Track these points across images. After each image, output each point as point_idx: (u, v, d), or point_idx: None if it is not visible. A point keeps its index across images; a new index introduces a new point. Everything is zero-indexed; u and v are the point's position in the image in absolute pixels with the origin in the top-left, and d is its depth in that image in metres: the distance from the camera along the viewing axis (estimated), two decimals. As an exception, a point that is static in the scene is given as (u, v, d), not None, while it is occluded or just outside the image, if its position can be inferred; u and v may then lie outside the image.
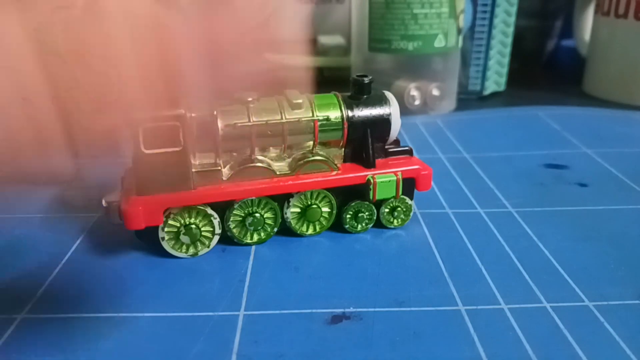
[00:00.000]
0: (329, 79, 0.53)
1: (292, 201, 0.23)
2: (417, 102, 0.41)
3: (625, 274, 0.21)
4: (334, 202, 0.24)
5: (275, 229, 0.24)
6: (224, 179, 0.22)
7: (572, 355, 0.17)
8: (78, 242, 0.24)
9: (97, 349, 0.17)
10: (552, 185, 0.29)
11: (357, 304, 0.19)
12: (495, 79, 0.47)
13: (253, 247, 0.23)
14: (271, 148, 0.23)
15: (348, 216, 0.24)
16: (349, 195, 0.24)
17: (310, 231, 0.24)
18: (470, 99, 0.47)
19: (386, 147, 0.24)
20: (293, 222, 0.24)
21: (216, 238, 0.23)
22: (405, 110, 0.38)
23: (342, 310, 0.19)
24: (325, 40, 0.54)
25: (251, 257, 0.23)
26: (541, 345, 0.17)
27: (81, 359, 0.17)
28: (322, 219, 0.24)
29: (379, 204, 0.24)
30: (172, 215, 0.22)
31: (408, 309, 0.19)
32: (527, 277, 0.21)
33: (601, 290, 0.20)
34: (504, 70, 0.48)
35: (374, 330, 0.18)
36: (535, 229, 0.25)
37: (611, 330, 0.18)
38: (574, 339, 0.18)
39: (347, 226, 0.24)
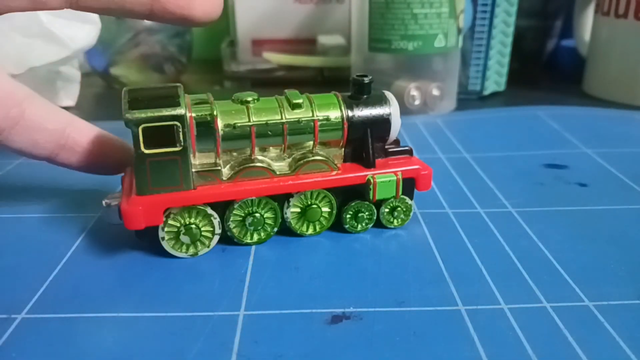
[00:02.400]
0: (329, 79, 0.53)
1: (292, 201, 0.23)
2: (417, 102, 0.41)
3: (625, 274, 0.21)
4: (334, 202, 0.24)
5: (275, 229, 0.24)
6: (224, 178, 0.22)
7: (572, 355, 0.17)
8: (78, 242, 0.24)
9: (97, 349, 0.17)
10: (552, 185, 0.29)
11: (357, 304, 0.19)
12: (495, 79, 0.47)
13: (253, 247, 0.23)
14: (271, 148, 0.23)
15: (348, 216, 0.24)
16: (349, 195, 0.24)
17: (310, 231, 0.24)
18: (470, 99, 0.47)
19: (386, 147, 0.24)
20: (293, 222, 0.24)
21: (216, 238, 0.23)
22: (405, 110, 0.38)
23: (342, 310, 0.19)
24: (325, 40, 0.54)
25: (251, 257, 0.23)
26: (541, 345, 0.17)
27: (81, 359, 0.17)
28: (322, 219, 0.24)
29: (379, 203, 0.24)
30: (172, 215, 0.22)
31: (408, 309, 0.19)
32: (527, 277, 0.21)
33: (601, 290, 0.20)
34: (504, 70, 0.48)
35: (374, 330, 0.18)
36: (535, 229, 0.25)
37: (611, 330, 0.18)
38: (574, 339, 0.18)
39: (347, 226, 0.24)
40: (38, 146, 0.24)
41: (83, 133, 0.25)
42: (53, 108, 0.24)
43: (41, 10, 0.23)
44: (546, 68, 0.58)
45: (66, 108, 0.44)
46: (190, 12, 0.23)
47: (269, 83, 0.54)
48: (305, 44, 0.56)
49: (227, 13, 0.59)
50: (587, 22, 0.53)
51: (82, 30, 0.41)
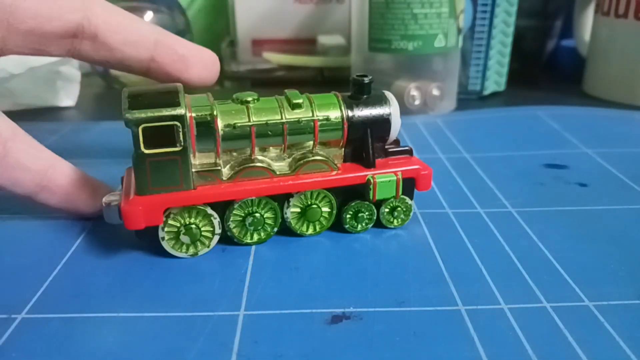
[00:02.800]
0: (329, 79, 0.53)
1: (292, 201, 0.23)
2: (417, 102, 0.41)
3: (625, 274, 0.21)
4: (334, 202, 0.24)
5: (275, 229, 0.24)
6: (224, 178, 0.22)
7: (572, 355, 0.17)
8: (78, 242, 0.24)
9: (97, 349, 0.17)
10: (552, 185, 0.29)
11: (357, 304, 0.19)
12: (495, 79, 0.47)
13: (253, 247, 0.23)
14: (271, 148, 0.23)
15: (348, 216, 0.24)
16: (349, 195, 0.24)
17: (310, 231, 0.24)
18: (470, 99, 0.47)
19: (386, 147, 0.24)
20: (293, 222, 0.24)
21: (216, 238, 0.23)
22: (405, 110, 0.38)
23: (342, 310, 0.19)
24: (325, 40, 0.54)
25: (251, 257, 0.23)
26: (541, 345, 0.17)
27: (81, 359, 0.17)
28: (322, 219, 0.24)
29: (379, 203, 0.24)
30: (172, 215, 0.22)
31: (408, 309, 0.19)
32: (527, 277, 0.21)
33: (601, 290, 0.20)
34: (504, 70, 0.48)
35: (374, 330, 0.18)
36: (535, 229, 0.25)
37: (611, 330, 0.18)
38: (574, 339, 0.18)
39: (347, 226, 0.24)
40: (18, 185, 0.23)
41: (64, 175, 0.24)
42: (37, 147, 0.24)
43: (43, 56, 0.23)
44: (546, 68, 0.58)
45: (66, 108, 0.45)
46: (187, 76, 0.25)
47: (269, 83, 0.54)
48: (305, 44, 0.56)
49: (227, 13, 0.59)
50: (587, 22, 0.53)
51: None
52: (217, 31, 0.63)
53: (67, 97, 0.45)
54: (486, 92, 0.47)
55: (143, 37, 0.24)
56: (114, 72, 0.49)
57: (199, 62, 0.25)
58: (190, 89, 0.24)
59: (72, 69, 0.44)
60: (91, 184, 0.25)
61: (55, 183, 0.24)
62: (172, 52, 0.24)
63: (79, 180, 0.25)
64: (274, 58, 0.53)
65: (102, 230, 0.24)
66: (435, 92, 0.42)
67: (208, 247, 0.23)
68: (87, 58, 0.24)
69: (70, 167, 0.25)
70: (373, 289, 0.20)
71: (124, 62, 0.24)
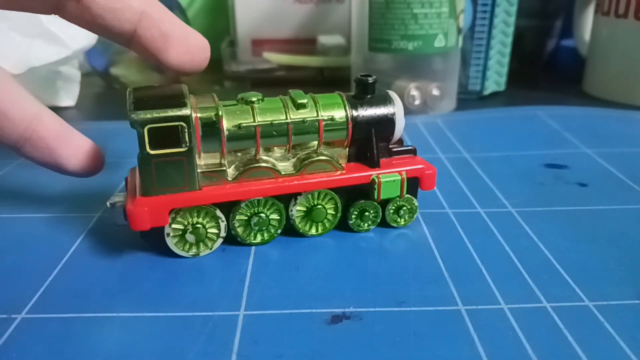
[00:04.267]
0: (329, 79, 0.53)
1: (299, 199, 0.23)
2: (417, 102, 0.41)
3: (625, 274, 0.21)
4: (339, 203, 0.24)
5: (279, 231, 0.24)
6: (229, 179, 0.22)
7: (572, 355, 0.17)
8: (78, 242, 0.24)
9: (97, 349, 0.17)
10: (552, 185, 0.29)
11: (357, 304, 0.19)
12: (495, 79, 0.47)
13: (253, 247, 0.23)
14: (276, 148, 0.23)
15: (354, 215, 0.24)
16: (354, 195, 0.24)
17: (313, 231, 0.24)
18: (470, 99, 0.47)
19: (390, 146, 0.24)
20: (297, 221, 0.24)
21: (220, 241, 0.23)
22: (405, 110, 0.38)
23: (342, 310, 0.19)
24: (325, 40, 0.54)
25: (251, 257, 0.23)
26: (541, 345, 0.17)
27: (81, 359, 0.17)
28: (325, 220, 0.24)
29: (384, 203, 0.24)
30: (181, 213, 0.22)
31: (408, 309, 0.19)
32: (527, 277, 0.21)
33: (601, 290, 0.20)
34: (504, 70, 0.48)
35: (374, 330, 0.18)
36: (535, 229, 0.25)
37: (611, 330, 0.18)
38: (574, 339, 0.18)
39: (352, 222, 0.24)
40: (1, 133, 0.23)
41: (49, 129, 0.23)
42: (22, 96, 0.23)
43: (24, 12, 0.22)
44: (546, 68, 0.58)
45: (66, 108, 0.45)
46: (165, 57, 0.23)
47: (269, 83, 0.54)
48: (305, 44, 0.56)
49: (227, 13, 0.59)
50: (587, 22, 0.53)
51: (82, 30, 0.41)
52: (217, 31, 0.63)
53: (67, 97, 0.45)
54: (486, 92, 0.47)
55: (127, 6, 0.22)
56: (114, 72, 0.49)
57: (181, 45, 0.23)
58: (173, 73, 0.23)
59: (72, 69, 0.44)
60: (78, 140, 0.24)
61: (39, 137, 0.23)
62: (155, 28, 0.22)
63: (64, 134, 0.23)
64: (274, 58, 0.53)
65: (102, 230, 0.24)
66: (435, 92, 0.42)
67: (210, 249, 0.23)
68: (72, 19, 0.22)
69: (57, 121, 0.23)
70: (373, 289, 0.20)
71: (107, 31, 0.22)
